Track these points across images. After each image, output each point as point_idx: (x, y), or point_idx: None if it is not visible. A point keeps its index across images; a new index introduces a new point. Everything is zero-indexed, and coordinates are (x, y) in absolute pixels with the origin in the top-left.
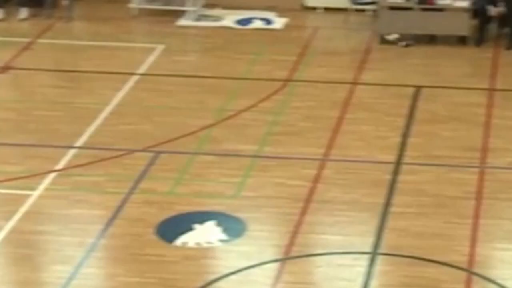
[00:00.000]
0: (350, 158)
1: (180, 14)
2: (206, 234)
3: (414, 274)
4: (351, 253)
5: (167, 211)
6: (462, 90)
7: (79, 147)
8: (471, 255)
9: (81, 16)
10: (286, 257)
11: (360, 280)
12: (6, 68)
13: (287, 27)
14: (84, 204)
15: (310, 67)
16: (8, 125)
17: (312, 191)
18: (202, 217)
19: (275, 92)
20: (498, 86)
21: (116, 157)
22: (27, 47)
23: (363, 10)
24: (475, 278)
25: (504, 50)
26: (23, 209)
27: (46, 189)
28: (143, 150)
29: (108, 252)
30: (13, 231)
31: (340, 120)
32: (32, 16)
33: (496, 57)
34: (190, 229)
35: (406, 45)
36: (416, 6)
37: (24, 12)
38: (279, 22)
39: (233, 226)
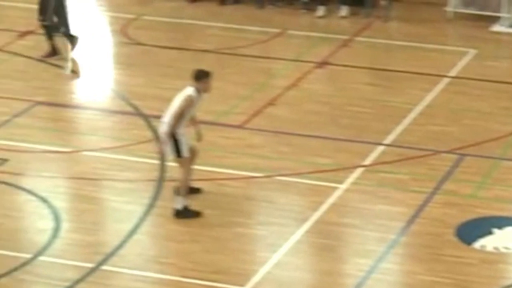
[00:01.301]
0: None
1: (495, 19)
2: (505, 239)
3: None
4: None
5: (467, 214)
6: None
7: (387, 145)
8: None
9: (398, 17)
10: None
11: None
12: (323, 64)
13: None
14: (388, 201)
15: None
16: (321, 118)
17: None
18: (502, 222)
19: None
20: None
21: (421, 156)
22: (345, 44)
23: None
24: None
25: None
26: (330, 200)
27: (353, 183)
28: (449, 152)
29: (407, 250)
30: (319, 221)
31: None
32: (352, 14)
33: None
34: (490, 233)
35: None
36: None
37: (344, 10)
38: None
39: None
